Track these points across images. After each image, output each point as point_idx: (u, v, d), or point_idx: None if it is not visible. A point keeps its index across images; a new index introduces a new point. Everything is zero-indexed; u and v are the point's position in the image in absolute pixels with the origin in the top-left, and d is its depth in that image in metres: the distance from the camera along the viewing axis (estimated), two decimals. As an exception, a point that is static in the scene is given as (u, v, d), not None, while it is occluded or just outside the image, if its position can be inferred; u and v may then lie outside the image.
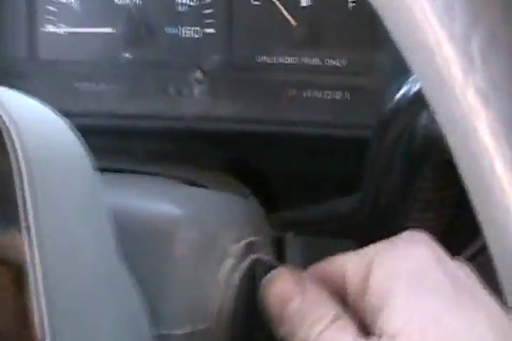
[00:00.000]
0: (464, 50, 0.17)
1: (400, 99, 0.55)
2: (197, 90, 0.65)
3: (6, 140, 0.35)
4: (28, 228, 0.33)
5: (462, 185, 0.22)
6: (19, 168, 0.34)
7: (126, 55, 0.67)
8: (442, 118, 0.19)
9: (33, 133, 0.36)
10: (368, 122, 0.59)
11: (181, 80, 0.65)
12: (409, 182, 0.59)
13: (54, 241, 0.34)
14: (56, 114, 0.42)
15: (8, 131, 0.35)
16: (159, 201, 0.52)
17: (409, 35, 0.19)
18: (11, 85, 0.69)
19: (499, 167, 0.18)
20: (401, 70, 0.44)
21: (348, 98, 0.63)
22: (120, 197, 0.51)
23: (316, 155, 0.65)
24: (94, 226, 0.41)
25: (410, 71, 0.23)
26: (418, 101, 0.54)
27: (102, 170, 0.60)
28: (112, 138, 0.67)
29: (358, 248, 0.47)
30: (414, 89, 0.55)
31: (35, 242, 0.32)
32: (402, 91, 0.55)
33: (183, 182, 0.60)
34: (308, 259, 0.81)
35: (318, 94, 0.64)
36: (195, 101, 0.65)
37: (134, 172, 0.61)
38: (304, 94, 0.64)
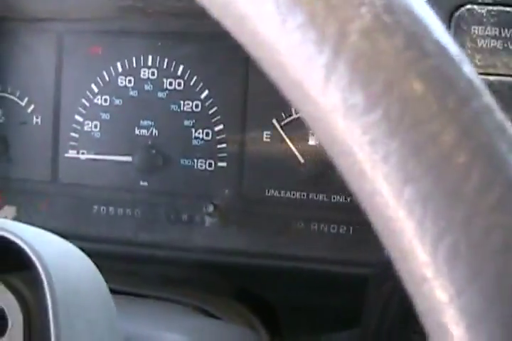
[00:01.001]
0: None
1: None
2: (208, 221, 0.68)
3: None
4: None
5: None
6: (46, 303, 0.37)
7: (143, 183, 0.70)
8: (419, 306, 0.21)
9: (57, 268, 0.39)
10: (370, 259, 0.61)
11: (193, 210, 0.68)
12: (407, 322, 0.60)
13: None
14: (74, 246, 0.45)
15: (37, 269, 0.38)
16: (170, 330, 0.54)
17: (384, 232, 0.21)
18: (34, 206, 0.72)
19: None
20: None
21: (351, 233, 0.66)
22: (134, 323, 0.53)
23: (319, 288, 0.67)
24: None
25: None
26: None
27: (116, 292, 0.62)
28: (126, 263, 0.69)
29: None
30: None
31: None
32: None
33: (192, 310, 0.62)
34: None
35: (324, 228, 0.66)
36: (205, 232, 0.68)
37: (146, 296, 0.63)
38: (311, 228, 0.66)
